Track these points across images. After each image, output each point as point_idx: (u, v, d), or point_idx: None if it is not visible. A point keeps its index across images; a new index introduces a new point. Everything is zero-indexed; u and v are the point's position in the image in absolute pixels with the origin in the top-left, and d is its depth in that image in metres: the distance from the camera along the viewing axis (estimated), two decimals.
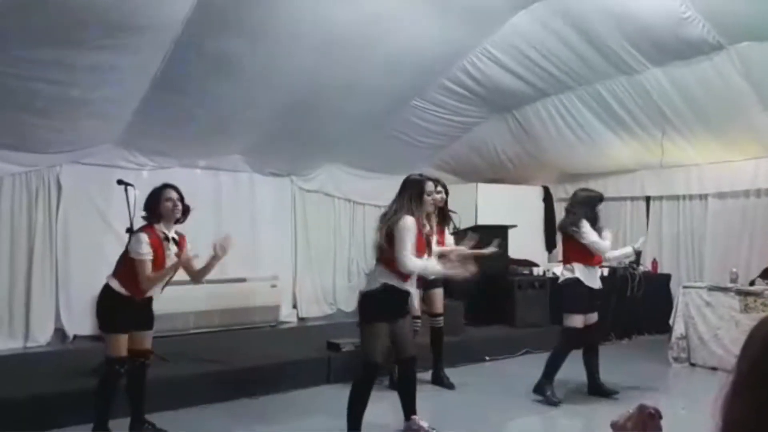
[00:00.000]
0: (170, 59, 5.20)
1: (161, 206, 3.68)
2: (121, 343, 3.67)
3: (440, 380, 5.31)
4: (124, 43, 4.75)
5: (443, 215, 5.11)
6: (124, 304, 3.68)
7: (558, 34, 5.73)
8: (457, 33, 5.76)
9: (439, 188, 4.98)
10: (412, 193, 3.83)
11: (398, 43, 5.66)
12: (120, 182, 4.20)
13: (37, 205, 6.33)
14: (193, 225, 7.03)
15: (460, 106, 7.31)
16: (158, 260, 3.64)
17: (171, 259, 3.68)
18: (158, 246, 3.65)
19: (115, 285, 3.71)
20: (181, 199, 3.77)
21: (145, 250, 3.58)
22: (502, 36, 5.91)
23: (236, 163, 7.62)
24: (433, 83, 6.76)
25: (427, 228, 4.03)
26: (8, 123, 5.54)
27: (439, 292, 5.26)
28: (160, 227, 3.71)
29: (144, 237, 3.62)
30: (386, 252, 3.77)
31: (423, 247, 3.85)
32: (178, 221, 3.81)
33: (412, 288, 3.89)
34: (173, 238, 3.74)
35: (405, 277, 3.79)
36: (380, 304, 3.79)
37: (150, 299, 3.83)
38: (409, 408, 4.07)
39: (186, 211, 3.81)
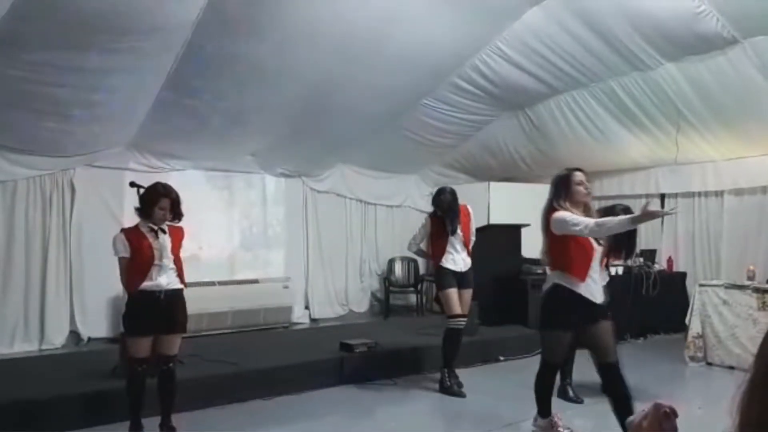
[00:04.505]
0: (182, 62, 5.23)
1: (153, 210, 3.79)
2: (139, 345, 3.77)
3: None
4: (135, 46, 4.78)
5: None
6: (144, 306, 3.75)
7: (570, 31, 5.69)
8: (469, 30, 5.73)
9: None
10: (558, 186, 3.73)
11: (410, 41, 5.64)
12: (132, 184, 4.20)
13: (50, 209, 6.39)
14: (206, 226, 7.17)
15: (472, 105, 7.28)
16: (143, 251, 3.74)
17: (163, 248, 3.80)
18: (138, 240, 3.77)
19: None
20: (175, 205, 3.85)
21: (119, 247, 3.77)
22: (513, 33, 5.87)
23: (248, 164, 7.66)
24: (444, 82, 6.73)
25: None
26: (22, 126, 5.60)
27: (468, 293, 5.22)
28: (147, 223, 3.82)
29: (118, 237, 3.80)
30: (550, 252, 3.74)
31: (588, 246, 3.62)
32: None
33: (588, 290, 3.64)
34: (161, 229, 3.83)
35: (577, 275, 3.62)
36: (552, 308, 3.72)
37: (172, 301, 3.82)
38: (622, 412, 3.56)
39: (177, 215, 3.90)
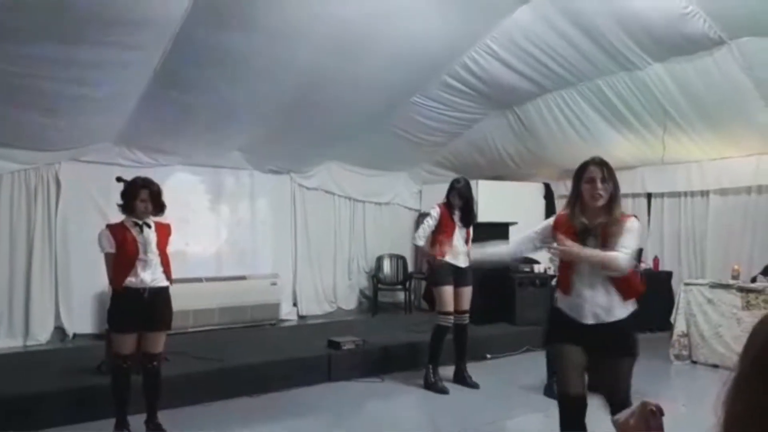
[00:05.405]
0: (170, 56, 5.18)
1: (135, 204, 3.81)
2: (123, 342, 3.77)
3: (463, 379, 5.28)
4: (122, 39, 4.73)
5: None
6: (128, 303, 3.74)
7: (559, 30, 5.70)
8: (458, 28, 5.73)
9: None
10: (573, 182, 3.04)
11: (399, 38, 5.63)
12: (119, 180, 4.18)
13: (36, 203, 6.34)
14: (193, 222, 7.13)
15: (461, 103, 7.28)
16: (128, 245, 3.75)
17: (147, 242, 3.80)
18: (122, 234, 3.77)
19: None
20: (155, 196, 3.85)
21: (104, 243, 3.78)
22: (502, 32, 5.88)
23: (236, 160, 7.62)
24: (433, 79, 6.73)
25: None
26: (7, 120, 5.53)
27: (468, 290, 5.23)
28: (131, 218, 3.83)
29: (103, 233, 3.81)
30: None
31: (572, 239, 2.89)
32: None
33: (571, 307, 2.90)
34: (146, 224, 3.84)
35: (560, 287, 2.97)
36: (550, 322, 3.09)
37: (156, 299, 3.81)
38: None
39: (159, 207, 3.89)
